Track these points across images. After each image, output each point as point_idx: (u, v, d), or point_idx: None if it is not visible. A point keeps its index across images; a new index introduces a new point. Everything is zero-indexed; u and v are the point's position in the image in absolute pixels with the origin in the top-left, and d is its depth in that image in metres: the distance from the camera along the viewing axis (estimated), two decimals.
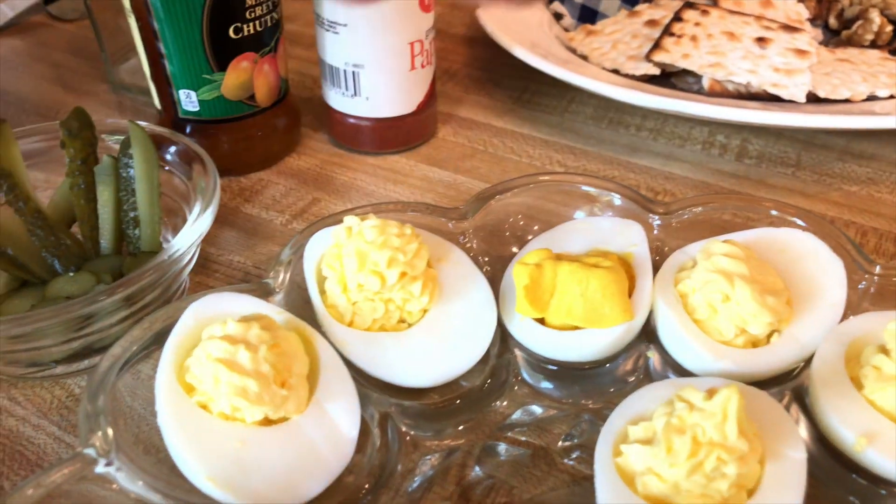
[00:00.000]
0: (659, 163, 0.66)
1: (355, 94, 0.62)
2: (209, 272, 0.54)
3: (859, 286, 0.44)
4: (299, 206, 0.61)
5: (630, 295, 0.43)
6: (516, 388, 0.43)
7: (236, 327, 0.37)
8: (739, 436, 0.33)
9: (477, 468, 0.39)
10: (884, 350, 0.38)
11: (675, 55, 0.67)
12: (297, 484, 0.36)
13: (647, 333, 0.44)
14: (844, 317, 0.43)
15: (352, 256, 0.41)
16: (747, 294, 0.40)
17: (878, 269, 0.44)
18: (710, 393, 0.34)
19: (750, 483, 0.34)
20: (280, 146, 0.65)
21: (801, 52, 0.66)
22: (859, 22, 0.75)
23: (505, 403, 0.42)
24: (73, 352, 0.44)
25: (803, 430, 0.39)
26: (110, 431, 0.35)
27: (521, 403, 0.42)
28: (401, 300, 0.42)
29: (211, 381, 0.36)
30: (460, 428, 0.41)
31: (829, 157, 0.66)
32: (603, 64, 0.71)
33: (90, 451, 0.35)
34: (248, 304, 0.41)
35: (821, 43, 0.74)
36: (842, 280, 0.44)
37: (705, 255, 0.43)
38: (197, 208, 0.47)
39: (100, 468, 0.35)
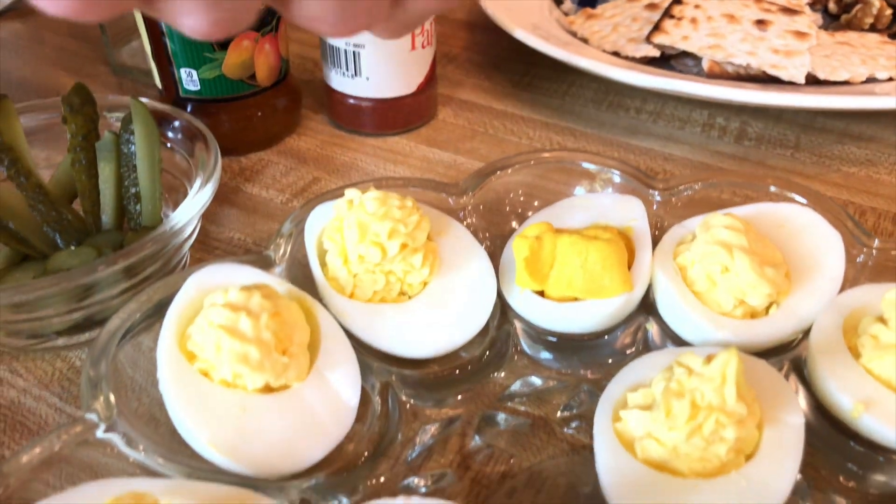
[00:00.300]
0: (659, 144, 0.66)
1: (356, 74, 0.62)
2: (209, 248, 0.54)
3: (857, 260, 0.44)
4: (299, 185, 0.61)
5: (629, 268, 0.43)
6: (515, 358, 0.43)
7: (238, 295, 0.37)
8: (738, 399, 0.33)
9: (477, 437, 0.40)
10: (881, 320, 0.38)
11: (674, 37, 0.68)
12: (298, 450, 0.36)
13: (647, 306, 0.44)
14: (842, 290, 0.43)
15: (353, 228, 0.41)
16: (746, 265, 0.40)
17: (876, 243, 0.45)
18: (709, 359, 0.34)
19: (748, 448, 0.34)
20: (280, 126, 0.65)
21: (800, 35, 0.66)
22: (859, 6, 0.75)
23: (504, 374, 0.43)
24: (75, 323, 0.44)
25: (802, 400, 0.40)
26: (112, 397, 0.35)
27: (520, 374, 0.43)
28: (401, 272, 0.43)
29: (212, 348, 0.36)
30: (459, 398, 0.41)
31: (828, 139, 0.66)
32: (603, 47, 0.72)
33: (92, 416, 0.35)
34: (250, 274, 0.41)
35: (820, 27, 0.74)
36: (840, 253, 0.44)
37: (705, 227, 0.43)
38: (198, 182, 0.47)
39: (101, 433, 0.35)
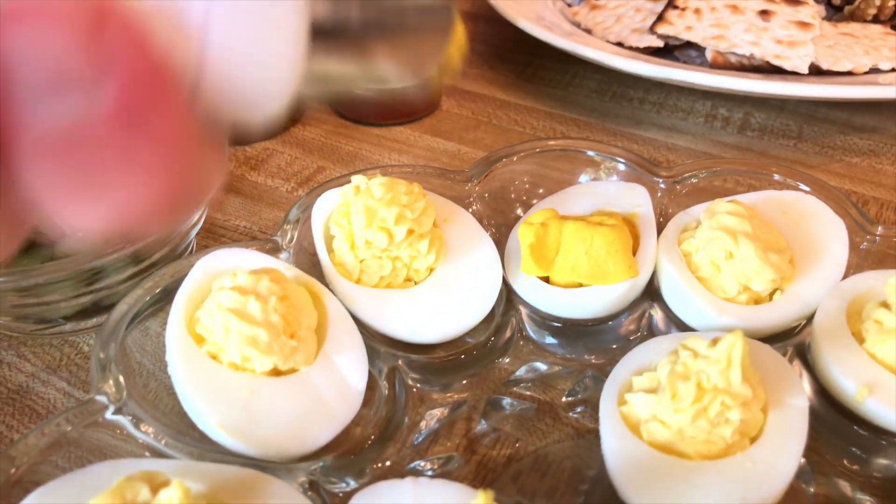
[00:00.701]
0: (662, 135, 0.66)
1: None
2: (215, 236, 0.54)
3: (861, 246, 0.45)
4: (304, 174, 0.61)
5: (634, 254, 0.44)
6: (521, 344, 0.44)
7: (246, 279, 0.38)
8: (743, 382, 0.33)
9: (483, 422, 0.40)
10: (885, 305, 0.39)
11: (678, 27, 0.68)
12: (306, 433, 0.36)
13: (651, 293, 0.45)
14: (846, 277, 0.43)
15: (360, 213, 0.42)
16: (751, 251, 0.41)
17: (879, 230, 0.45)
18: (715, 342, 0.34)
19: (753, 431, 0.34)
20: (285, 116, 0.65)
21: (803, 25, 0.66)
22: None
23: (509, 360, 0.43)
24: (82, 307, 0.44)
25: (805, 385, 0.40)
26: (121, 378, 0.36)
27: (525, 360, 0.43)
28: (408, 258, 0.43)
29: (221, 331, 0.36)
30: (465, 383, 0.42)
31: (831, 129, 0.66)
32: (607, 37, 0.72)
33: (101, 398, 0.35)
34: (257, 259, 0.41)
35: (823, 18, 0.75)
36: (843, 240, 0.44)
37: (709, 214, 0.43)
38: None
39: (110, 415, 0.35)
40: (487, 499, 0.27)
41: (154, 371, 0.39)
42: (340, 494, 0.36)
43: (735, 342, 0.33)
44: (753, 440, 0.34)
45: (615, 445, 0.35)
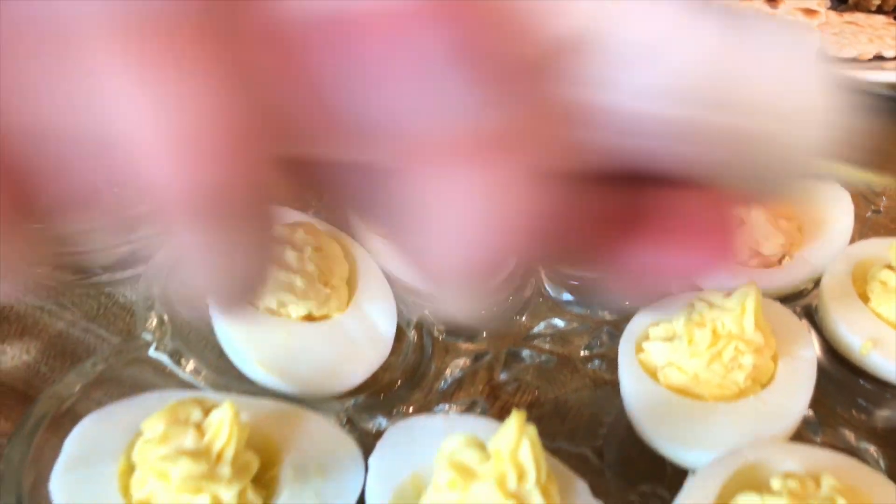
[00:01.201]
0: None
1: None
2: None
3: (866, 216, 0.47)
4: None
5: None
6: (540, 300, 0.45)
7: (282, 230, 0.39)
8: (756, 329, 0.35)
9: (504, 372, 0.42)
10: (890, 267, 0.41)
11: None
12: (339, 373, 0.38)
13: None
14: (851, 243, 0.45)
15: None
16: (761, 216, 0.43)
17: (883, 201, 0.47)
18: (729, 294, 0.37)
19: (764, 378, 0.36)
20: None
21: (809, 12, 0.69)
22: None
23: (527, 317, 0.45)
24: (120, 257, 0.46)
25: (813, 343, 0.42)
26: (166, 317, 0.37)
27: (543, 317, 0.45)
28: None
29: None
30: (485, 335, 0.43)
31: None
32: None
33: (146, 336, 0.37)
34: (291, 215, 0.43)
35: (828, 9, 0.77)
36: (849, 209, 0.46)
37: None
38: None
39: (153, 352, 0.37)
40: (521, 418, 0.29)
41: (190, 321, 0.40)
42: (374, 432, 0.37)
43: (749, 292, 0.35)
44: (764, 387, 0.36)
45: (634, 388, 0.37)
